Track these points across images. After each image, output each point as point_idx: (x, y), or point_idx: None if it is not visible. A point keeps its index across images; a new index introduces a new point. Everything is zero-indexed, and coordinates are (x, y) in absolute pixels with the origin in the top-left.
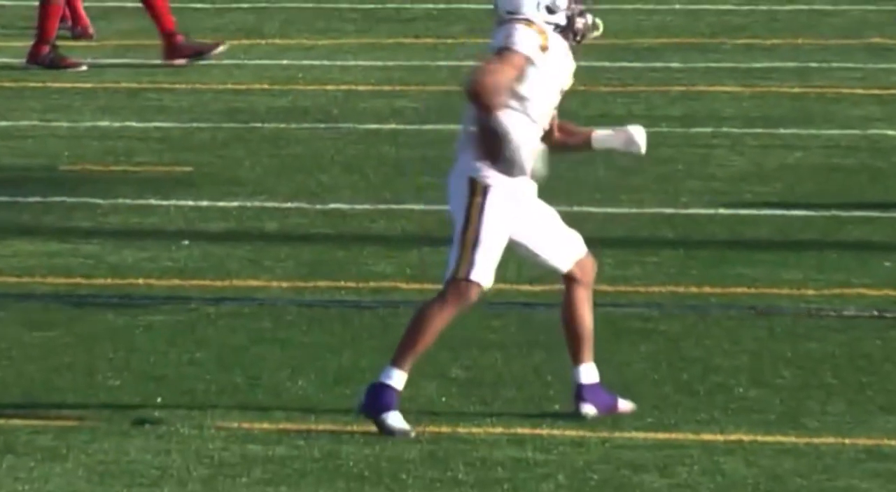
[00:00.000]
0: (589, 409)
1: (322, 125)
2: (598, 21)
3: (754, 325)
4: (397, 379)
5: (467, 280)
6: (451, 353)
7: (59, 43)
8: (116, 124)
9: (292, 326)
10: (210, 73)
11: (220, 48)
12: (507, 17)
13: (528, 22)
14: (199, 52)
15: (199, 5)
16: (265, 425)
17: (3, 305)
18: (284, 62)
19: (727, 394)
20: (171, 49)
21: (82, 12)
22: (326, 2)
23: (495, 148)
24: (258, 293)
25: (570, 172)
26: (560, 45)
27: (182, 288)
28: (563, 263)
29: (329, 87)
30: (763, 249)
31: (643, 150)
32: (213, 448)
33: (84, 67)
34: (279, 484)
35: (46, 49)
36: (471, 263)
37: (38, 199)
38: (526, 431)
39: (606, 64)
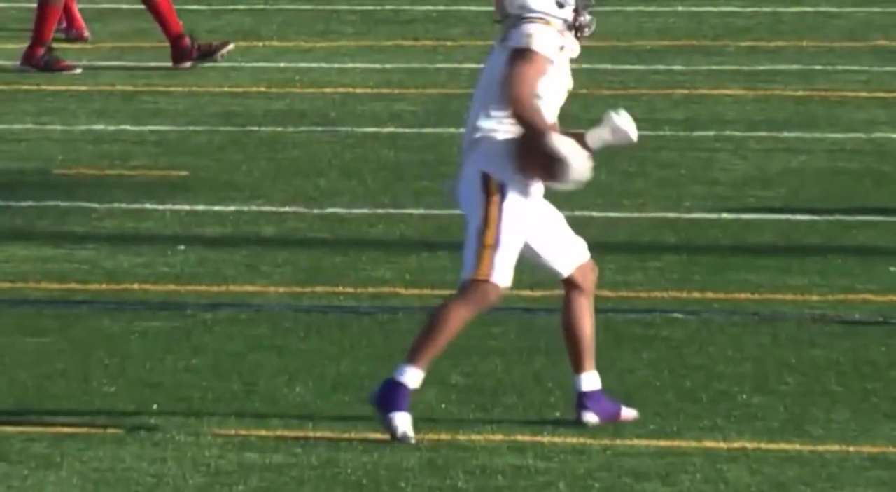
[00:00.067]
0: (591, 417)
1: (320, 128)
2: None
3: (758, 331)
4: (412, 377)
5: (489, 282)
6: (450, 359)
7: (54, 45)
8: (111, 128)
9: (290, 332)
10: (206, 75)
11: (230, 47)
12: (520, 14)
13: (545, 21)
14: (207, 54)
15: (195, 7)
16: (262, 433)
17: None
18: (282, 65)
19: (730, 401)
20: (180, 53)
21: (77, 14)
22: (324, 4)
23: (550, 169)
24: (255, 299)
25: None
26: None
27: (178, 294)
28: (565, 267)
29: (327, 90)
30: (767, 254)
31: (633, 135)
32: (210, 456)
33: (79, 70)
34: None
35: (42, 51)
36: (492, 264)
37: (31, 203)
38: (526, 438)
39: (608, 66)
